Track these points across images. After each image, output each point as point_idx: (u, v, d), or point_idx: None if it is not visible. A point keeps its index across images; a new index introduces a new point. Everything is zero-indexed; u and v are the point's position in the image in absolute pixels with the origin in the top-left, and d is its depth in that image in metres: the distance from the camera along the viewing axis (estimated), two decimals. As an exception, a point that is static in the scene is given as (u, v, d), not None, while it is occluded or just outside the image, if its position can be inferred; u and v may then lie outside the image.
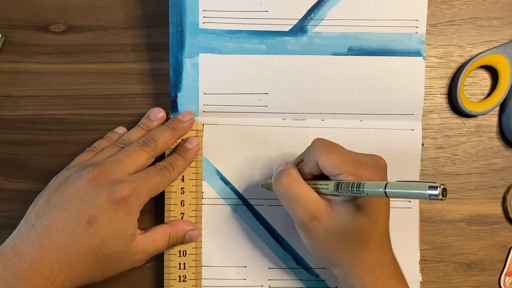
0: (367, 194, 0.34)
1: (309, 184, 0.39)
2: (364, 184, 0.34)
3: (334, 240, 0.37)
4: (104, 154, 0.42)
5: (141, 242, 0.40)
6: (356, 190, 0.34)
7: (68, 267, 0.37)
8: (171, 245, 0.43)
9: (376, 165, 0.37)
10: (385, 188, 0.32)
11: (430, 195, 0.29)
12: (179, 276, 0.44)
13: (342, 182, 0.36)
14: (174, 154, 0.43)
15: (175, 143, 0.44)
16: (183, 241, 0.43)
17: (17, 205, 0.46)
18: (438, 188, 0.28)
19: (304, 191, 0.38)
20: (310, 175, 0.39)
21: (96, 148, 0.43)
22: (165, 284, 0.44)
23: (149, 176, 0.41)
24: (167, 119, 0.45)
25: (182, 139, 0.44)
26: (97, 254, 0.38)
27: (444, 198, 0.29)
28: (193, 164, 0.44)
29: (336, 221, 0.37)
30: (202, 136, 0.45)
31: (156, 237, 0.42)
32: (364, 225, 0.37)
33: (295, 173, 0.39)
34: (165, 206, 0.44)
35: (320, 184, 0.38)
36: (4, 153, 0.46)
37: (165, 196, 0.44)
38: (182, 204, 0.44)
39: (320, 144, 0.38)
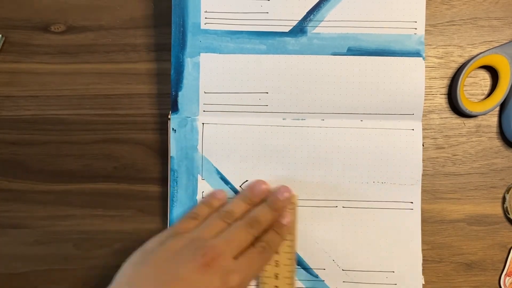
0: None
1: None
2: None
3: None
4: (209, 229, 0.41)
5: None
6: None
7: None
8: None
9: None
10: None
11: None
12: None
13: None
14: (271, 232, 0.43)
15: None
16: None
17: (17, 205, 0.46)
18: None
19: None
20: None
21: (198, 215, 0.43)
22: None
23: (253, 263, 0.41)
24: (168, 119, 0.45)
25: None
26: None
27: None
28: (288, 237, 0.44)
29: None
30: (294, 208, 0.44)
31: None
32: None
33: None
34: (259, 278, 0.44)
35: None
36: (4, 153, 0.46)
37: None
38: (276, 277, 0.44)
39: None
